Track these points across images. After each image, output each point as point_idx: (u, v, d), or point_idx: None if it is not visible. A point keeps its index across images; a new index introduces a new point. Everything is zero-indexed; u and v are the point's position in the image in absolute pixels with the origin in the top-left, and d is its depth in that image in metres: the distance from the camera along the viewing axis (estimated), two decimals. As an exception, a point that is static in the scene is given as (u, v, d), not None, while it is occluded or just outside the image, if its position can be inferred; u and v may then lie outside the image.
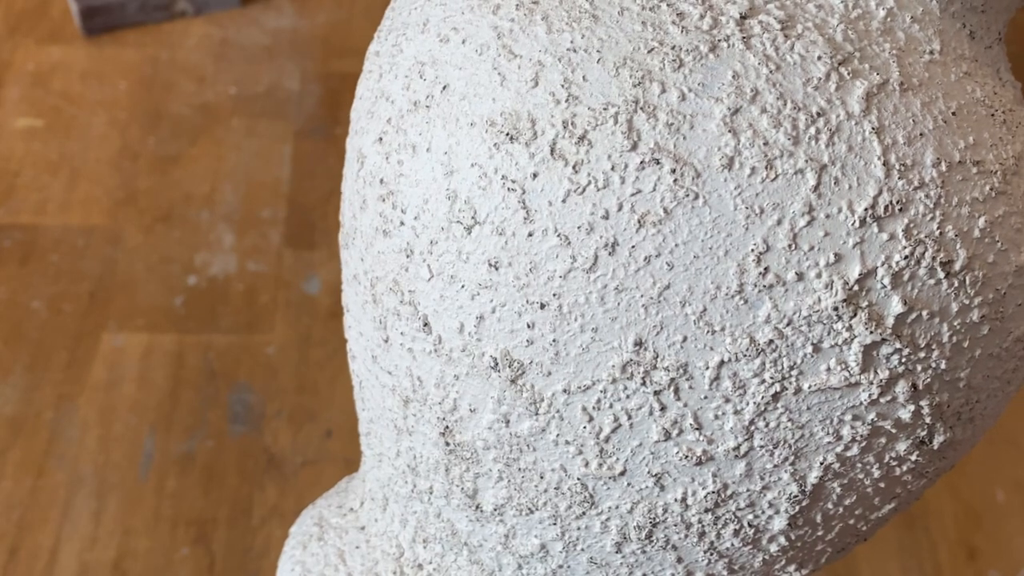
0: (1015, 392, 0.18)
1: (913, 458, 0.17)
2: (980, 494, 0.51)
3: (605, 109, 0.16)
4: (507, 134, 0.17)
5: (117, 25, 0.66)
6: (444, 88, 0.18)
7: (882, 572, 0.49)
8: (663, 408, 0.17)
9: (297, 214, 0.59)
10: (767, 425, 0.17)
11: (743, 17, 0.17)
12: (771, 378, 0.16)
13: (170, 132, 0.62)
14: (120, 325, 0.54)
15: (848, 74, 0.16)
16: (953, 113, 0.17)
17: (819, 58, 0.16)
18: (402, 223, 0.18)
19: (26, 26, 0.66)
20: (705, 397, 0.16)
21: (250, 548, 0.47)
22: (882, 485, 0.18)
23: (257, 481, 0.49)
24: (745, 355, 0.16)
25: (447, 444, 0.18)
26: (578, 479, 0.17)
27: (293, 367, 0.53)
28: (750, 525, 0.18)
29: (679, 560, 0.18)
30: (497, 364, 0.17)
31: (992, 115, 0.17)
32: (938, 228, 0.16)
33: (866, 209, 0.16)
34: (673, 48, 0.17)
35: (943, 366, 0.16)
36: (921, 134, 0.16)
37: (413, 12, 0.19)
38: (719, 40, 0.17)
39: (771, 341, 0.16)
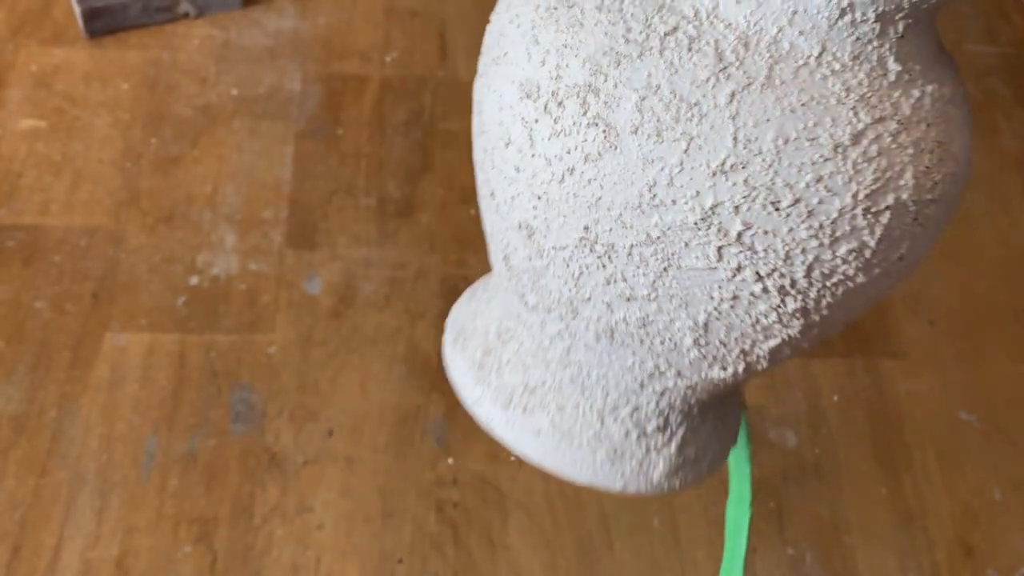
0: (843, 267, 0.25)
1: (772, 315, 0.26)
2: (977, 493, 0.51)
3: (574, 87, 0.26)
4: (526, 93, 0.27)
5: (120, 27, 0.66)
6: (505, 54, 0.28)
7: (881, 570, 0.49)
8: (604, 266, 0.27)
9: (298, 214, 0.59)
10: (664, 284, 0.26)
11: (666, 34, 0.25)
12: (662, 258, 0.26)
13: (172, 133, 0.62)
14: (122, 325, 0.54)
15: (723, 78, 0.24)
16: (802, 104, 0.24)
17: (705, 66, 0.24)
18: (483, 132, 0.29)
19: (29, 28, 0.66)
20: (625, 263, 0.26)
21: (251, 547, 0.47)
22: (757, 326, 0.27)
23: (259, 480, 0.49)
24: (644, 243, 0.26)
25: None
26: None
27: (294, 367, 0.53)
28: (670, 340, 0.28)
29: (638, 350, 0.29)
30: (519, 227, 0.28)
31: (841, 103, 0.24)
32: (771, 180, 0.24)
33: (718, 165, 0.24)
34: (617, 53, 0.25)
35: (779, 263, 0.25)
36: (768, 119, 0.24)
37: None
38: (645, 49, 0.25)
39: (659, 237, 0.25)
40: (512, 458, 0.49)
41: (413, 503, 0.49)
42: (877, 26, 0.23)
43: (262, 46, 0.67)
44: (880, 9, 0.23)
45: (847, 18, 0.23)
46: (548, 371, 0.30)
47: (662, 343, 0.27)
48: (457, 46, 0.68)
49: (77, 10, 0.64)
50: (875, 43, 0.24)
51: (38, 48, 0.65)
